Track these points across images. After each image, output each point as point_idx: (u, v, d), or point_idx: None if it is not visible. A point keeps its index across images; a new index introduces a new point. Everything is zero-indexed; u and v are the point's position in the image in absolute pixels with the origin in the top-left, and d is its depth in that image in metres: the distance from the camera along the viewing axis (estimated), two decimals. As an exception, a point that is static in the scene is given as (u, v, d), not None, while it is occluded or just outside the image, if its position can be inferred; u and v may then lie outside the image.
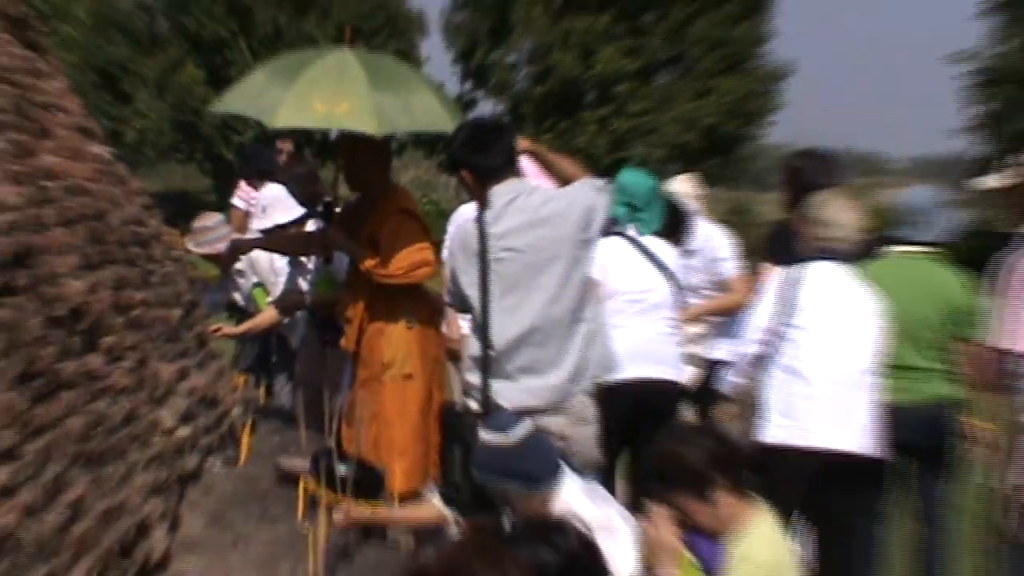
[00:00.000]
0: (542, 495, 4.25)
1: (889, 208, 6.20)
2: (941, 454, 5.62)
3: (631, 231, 6.37)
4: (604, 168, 24.21)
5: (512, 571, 2.32)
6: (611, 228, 6.16)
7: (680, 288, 6.36)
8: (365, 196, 6.19)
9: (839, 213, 5.58)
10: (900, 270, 5.82)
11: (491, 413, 4.80)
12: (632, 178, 6.54)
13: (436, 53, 70.44)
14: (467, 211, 6.41)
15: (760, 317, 5.49)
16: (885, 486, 5.64)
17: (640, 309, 6.19)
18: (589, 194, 5.24)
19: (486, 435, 4.41)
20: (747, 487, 3.88)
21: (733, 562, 3.69)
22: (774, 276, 5.71)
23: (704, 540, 3.88)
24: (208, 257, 7.72)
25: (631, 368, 5.96)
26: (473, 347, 5.20)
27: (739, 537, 3.72)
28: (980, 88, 35.10)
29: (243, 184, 9.39)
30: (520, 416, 4.54)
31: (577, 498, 4.23)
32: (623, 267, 6.23)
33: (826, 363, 5.29)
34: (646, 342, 6.12)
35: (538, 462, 4.32)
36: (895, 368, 5.47)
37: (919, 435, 5.47)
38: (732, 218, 24.44)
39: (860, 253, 5.77)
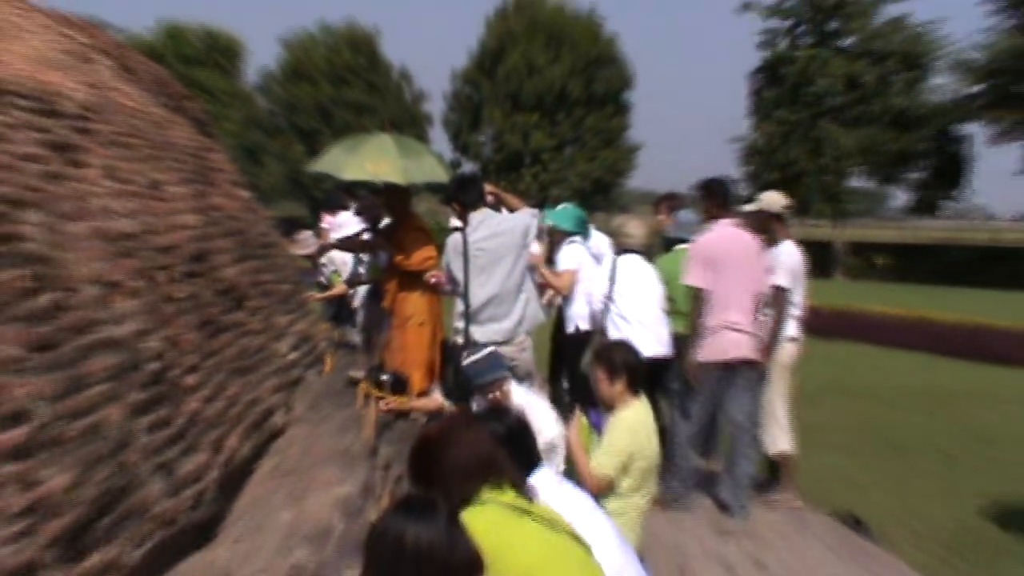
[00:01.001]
0: (505, 383, 4.18)
1: (676, 223, 6.23)
2: None
3: (580, 240, 6.24)
4: (536, 203, 24.25)
5: (479, 433, 2.32)
6: (571, 239, 6.13)
7: None
8: (396, 219, 6.15)
9: (633, 228, 5.83)
10: (679, 257, 5.83)
11: (471, 346, 4.79)
12: (581, 212, 6.39)
13: (438, 136, 70.13)
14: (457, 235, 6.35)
15: (599, 288, 5.69)
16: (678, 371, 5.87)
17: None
18: (526, 218, 5.26)
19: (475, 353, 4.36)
20: (635, 385, 3.81)
21: (611, 423, 3.69)
22: (605, 263, 5.84)
23: (595, 412, 3.88)
24: (305, 256, 7.69)
25: (590, 323, 5.97)
26: (459, 306, 5.20)
27: (618, 409, 3.70)
28: (746, 157, 35.76)
29: (324, 214, 9.31)
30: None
31: (517, 392, 4.24)
32: (587, 263, 6.10)
33: (636, 311, 5.51)
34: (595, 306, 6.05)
35: (500, 362, 4.33)
36: (676, 313, 5.58)
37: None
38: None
39: (661, 249, 6.07)
